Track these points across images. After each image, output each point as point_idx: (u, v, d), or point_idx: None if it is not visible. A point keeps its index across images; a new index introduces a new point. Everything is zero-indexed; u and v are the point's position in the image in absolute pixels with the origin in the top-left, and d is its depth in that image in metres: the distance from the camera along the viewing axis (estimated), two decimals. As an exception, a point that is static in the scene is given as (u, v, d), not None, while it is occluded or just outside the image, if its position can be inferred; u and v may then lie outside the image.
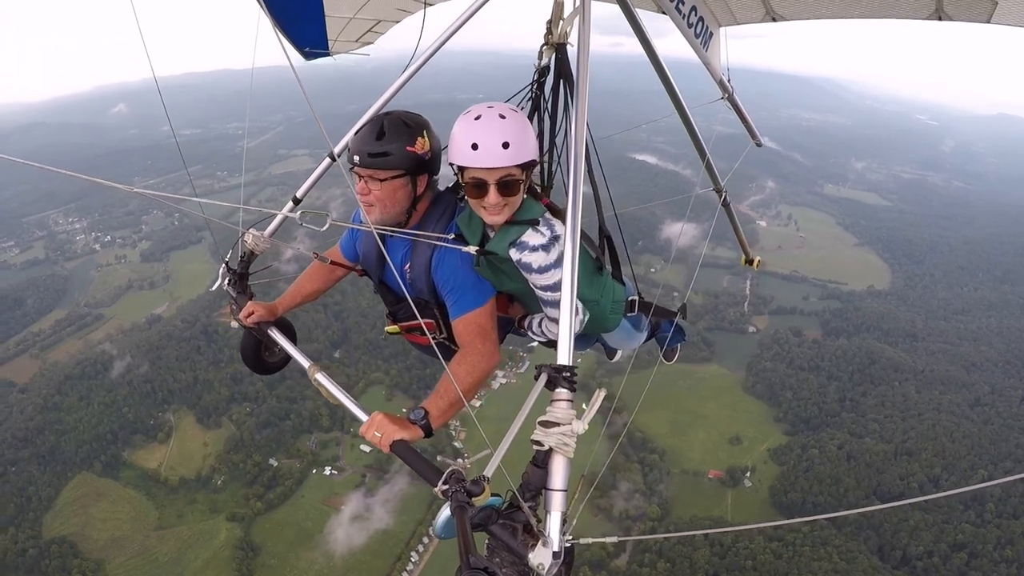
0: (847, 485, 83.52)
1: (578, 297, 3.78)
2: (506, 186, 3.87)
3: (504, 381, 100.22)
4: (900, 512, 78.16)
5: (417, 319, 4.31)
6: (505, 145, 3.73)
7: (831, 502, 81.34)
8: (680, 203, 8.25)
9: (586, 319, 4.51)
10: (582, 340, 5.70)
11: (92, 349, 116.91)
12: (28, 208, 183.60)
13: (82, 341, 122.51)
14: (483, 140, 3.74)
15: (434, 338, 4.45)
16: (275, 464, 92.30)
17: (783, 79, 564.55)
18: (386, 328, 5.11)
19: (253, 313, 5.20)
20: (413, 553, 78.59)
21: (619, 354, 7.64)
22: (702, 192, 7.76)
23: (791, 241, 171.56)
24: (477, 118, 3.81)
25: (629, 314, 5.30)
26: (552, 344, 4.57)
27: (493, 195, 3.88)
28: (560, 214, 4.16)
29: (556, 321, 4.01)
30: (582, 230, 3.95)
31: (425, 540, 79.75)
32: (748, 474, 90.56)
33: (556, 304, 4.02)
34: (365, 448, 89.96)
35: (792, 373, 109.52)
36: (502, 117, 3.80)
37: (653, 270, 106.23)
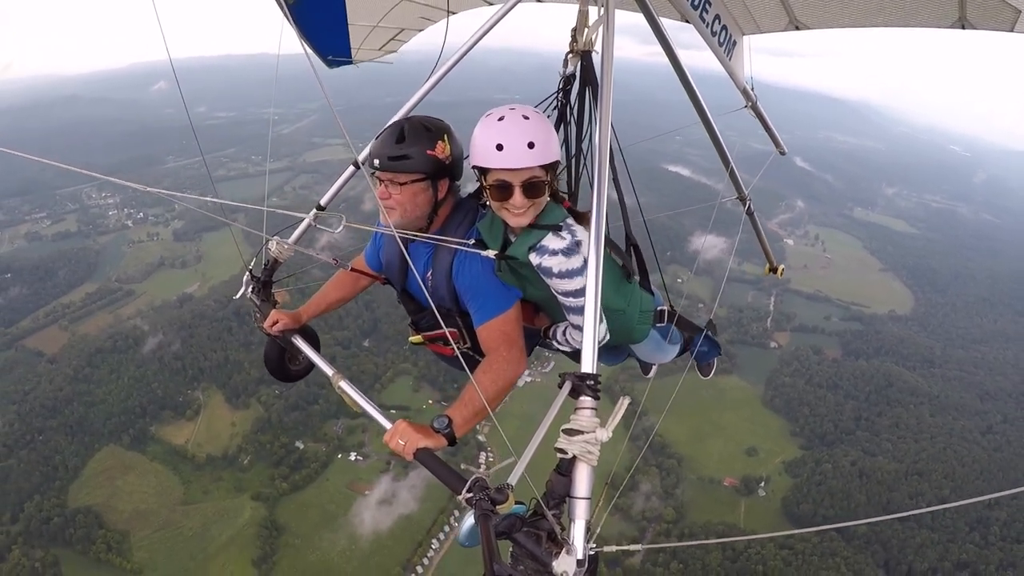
0: (858, 501, 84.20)
1: (605, 305, 4.11)
2: (532, 188, 3.87)
3: (529, 380, 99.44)
4: (907, 529, 79.79)
5: (440, 328, 4.34)
6: (531, 145, 3.75)
7: (842, 516, 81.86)
8: (708, 215, 8.63)
9: (606, 328, 4.45)
10: (613, 353, 6.03)
11: (122, 324, 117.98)
12: (62, 180, 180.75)
13: (112, 315, 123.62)
14: (508, 140, 3.76)
15: (458, 347, 4.44)
16: (301, 447, 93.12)
17: (822, 100, 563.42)
18: (410, 339, 5.14)
19: (277, 322, 5.22)
20: (434, 541, 79.55)
21: (654, 369, 7.64)
22: (726, 201, 7.80)
23: (817, 261, 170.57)
24: (500, 119, 3.83)
25: (659, 324, 5.31)
26: (577, 354, 4.74)
27: (518, 197, 3.87)
28: (582, 219, 4.12)
29: (579, 328, 4.15)
30: (609, 238, 4.23)
31: (447, 528, 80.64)
32: (762, 484, 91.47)
33: (578, 311, 4.08)
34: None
35: (810, 390, 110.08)
36: (525, 118, 3.82)
37: (680, 280, 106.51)
